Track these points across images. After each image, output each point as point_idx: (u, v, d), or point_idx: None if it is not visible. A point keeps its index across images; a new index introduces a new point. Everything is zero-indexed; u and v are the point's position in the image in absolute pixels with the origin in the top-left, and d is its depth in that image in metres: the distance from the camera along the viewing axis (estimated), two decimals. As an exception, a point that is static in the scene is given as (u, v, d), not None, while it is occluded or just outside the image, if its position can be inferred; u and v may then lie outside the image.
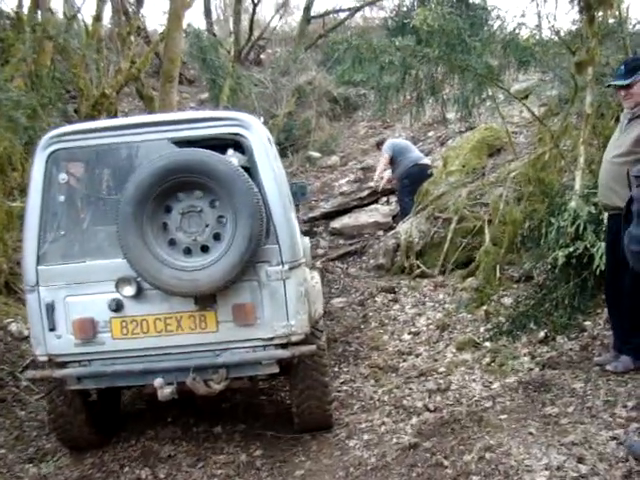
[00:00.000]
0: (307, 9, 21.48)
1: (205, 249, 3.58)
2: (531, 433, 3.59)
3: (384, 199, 11.75)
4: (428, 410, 4.38)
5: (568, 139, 8.29)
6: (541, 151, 8.30)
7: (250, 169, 3.69)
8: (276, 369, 3.76)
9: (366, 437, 4.19)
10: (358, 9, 20.79)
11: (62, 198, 3.82)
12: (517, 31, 8.06)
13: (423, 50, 7.56)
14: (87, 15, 12.65)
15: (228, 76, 13.44)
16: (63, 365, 3.75)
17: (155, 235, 3.53)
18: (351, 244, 9.61)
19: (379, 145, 10.59)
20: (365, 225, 10.47)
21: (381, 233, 10.32)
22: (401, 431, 4.16)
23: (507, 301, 6.35)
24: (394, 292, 7.50)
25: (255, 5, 20.55)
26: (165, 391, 3.61)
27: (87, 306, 3.70)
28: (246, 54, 19.96)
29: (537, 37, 8.00)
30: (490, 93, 8.74)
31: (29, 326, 3.87)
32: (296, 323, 3.68)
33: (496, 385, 4.60)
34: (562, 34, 8.10)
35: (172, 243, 3.59)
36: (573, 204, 5.48)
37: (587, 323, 5.19)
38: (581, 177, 5.89)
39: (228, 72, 13.49)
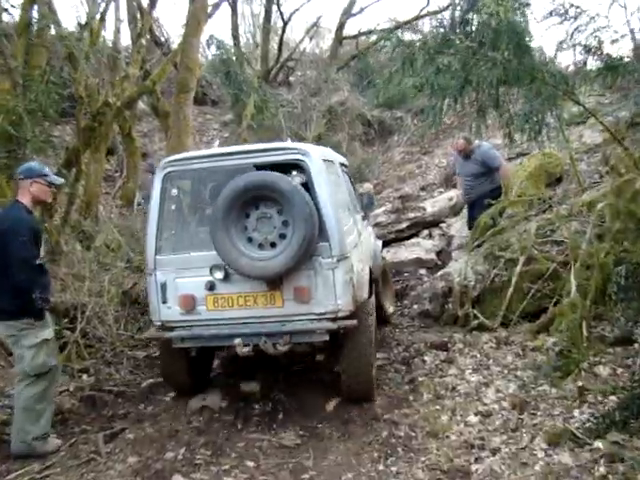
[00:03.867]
0: (339, 29, 20.34)
1: (273, 245, 4.64)
2: None
3: (425, 232, 10.33)
4: None
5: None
6: (625, 179, 6.86)
7: (308, 185, 4.71)
8: (326, 337, 4.64)
9: None
10: (393, 30, 19.47)
11: (173, 207, 5.17)
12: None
13: (488, 52, 6.19)
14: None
15: (253, 92, 12.12)
16: (171, 329, 4.89)
17: (237, 234, 4.63)
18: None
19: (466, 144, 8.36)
20: (405, 262, 9.02)
21: (424, 272, 8.88)
22: None
23: (603, 371, 4.86)
24: (447, 349, 6.02)
25: (285, 24, 19.40)
26: (244, 349, 4.65)
27: (189, 285, 4.82)
28: (274, 75, 18.81)
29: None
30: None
31: (149, 299, 5.02)
32: (342, 303, 4.62)
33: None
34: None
35: (250, 240, 4.66)
36: None
37: None
38: None
39: (253, 87, 12.19)
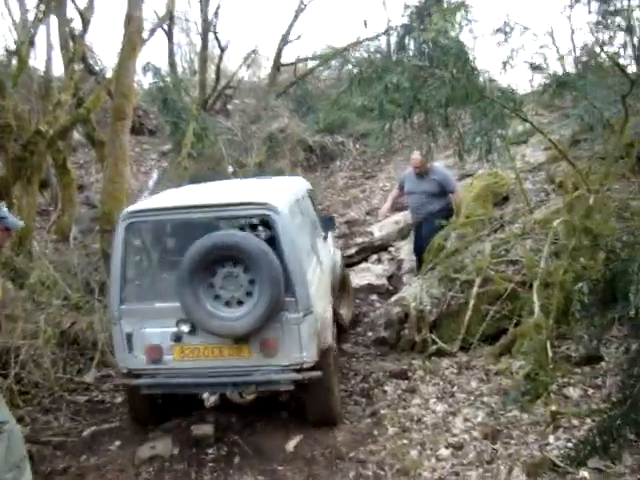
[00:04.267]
0: (277, 56, 20.24)
1: (240, 303, 4.64)
2: None
3: (374, 257, 10.14)
4: None
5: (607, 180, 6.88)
6: (576, 195, 6.81)
7: (274, 240, 4.72)
8: (292, 387, 4.76)
9: None
10: (331, 57, 19.41)
11: (137, 257, 5.32)
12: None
13: (436, 70, 6.07)
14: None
15: (192, 119, 11.79)
16: (138, 376, 4.90)
17: (204, 292, 4.61)
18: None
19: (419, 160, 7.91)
20: (356, 288, 8.75)
21: (375, 297, 8.64)
22: None
23: (573, 393, 4.69)
24: (407, 378, 5.76)
25: (222, 52, 19.16)
26: (210, 400, 5.13)
27: (155, 336, 4.79)
28: (212, 103, 18.46)
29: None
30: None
31: (115, 347, 4.99)
32: (307, 355, 4.68)
33: None
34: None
35: (216, 297, 4.64)
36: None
37: None
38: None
39: (192, 115, 11.85)
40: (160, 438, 4.93)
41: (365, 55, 6.39)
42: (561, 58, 6.47)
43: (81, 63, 13.44)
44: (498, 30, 6.41)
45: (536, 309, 5.16)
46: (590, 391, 4.64)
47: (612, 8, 7.40)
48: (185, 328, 4.70)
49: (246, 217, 5.13)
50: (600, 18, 7.52)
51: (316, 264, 5.43)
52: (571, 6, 6.50)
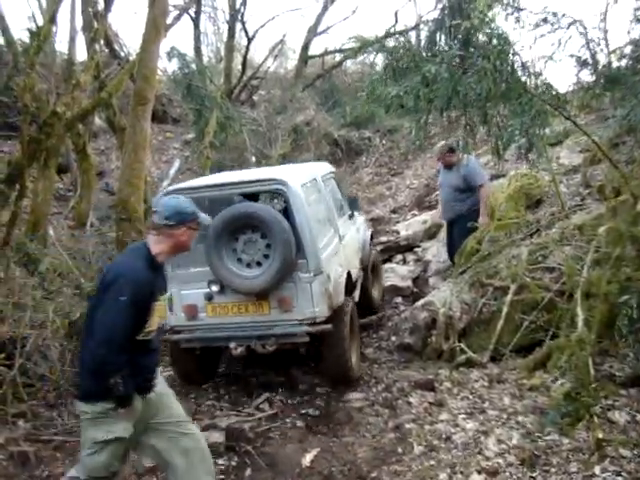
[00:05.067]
0: (305, 48, 19.86)
1: (259, 264, 5.36)
2: None
3: (399, 257, 9.74)
4: None
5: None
6: (621, 200, 6.38)
7: (287, 210, 5.42)
8: (307, 339, 5.35)
9: None
10: (359, 50, 18.94)
11: None
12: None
13: (477, 61, 5.66)
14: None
15: (216, 108, 11.44)
16: (178, 332, 5.66)
17: (228, 255, 5.39)
18: (364, 314, 7.40)
19: (445, 152, 7.69)
20: (380, 290, 8.39)
21: (400, 300, 8.25)
22: None
23: (619, 417, 4.26)
24: (434, 389, 5.36)
25: (249, 41, 18.82)
26: (238, 350, 5.48)
27: (191, 296, 5.59)
28: (238, 93, 18.16)
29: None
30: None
31: None
32: (319, 310, 5.30)
33: None
34: None
35: (239, 260, 5.41)
36: None
37: None
38: None
39: (216, 103, 11.50)
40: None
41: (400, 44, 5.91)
42: (612, 52, 5.95)
43: (105, 47, 13.20)
44: (544, 20, 5.98)
45: (580, 322, 4.74)
46: (639, 417, 4.22)
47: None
48: (215, 288, 5.48)
49: (264, 191, 5.79)
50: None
51: (333, 235, 6.04)
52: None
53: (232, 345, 5.43)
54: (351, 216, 7.31)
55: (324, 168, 7.10)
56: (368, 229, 8.35)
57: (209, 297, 5.52)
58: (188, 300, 5.59)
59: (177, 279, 5.56)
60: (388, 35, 17.64)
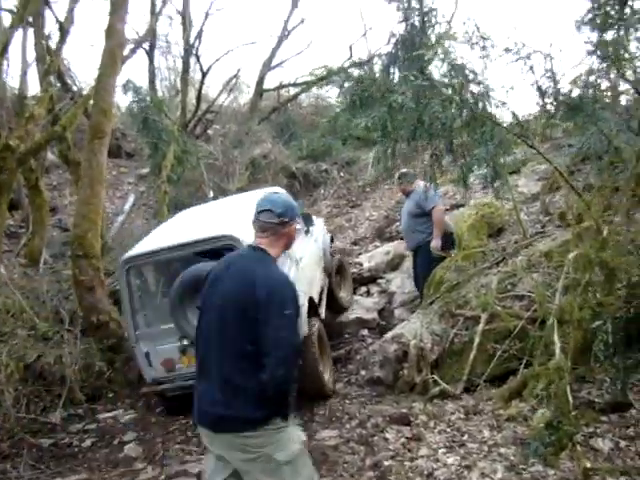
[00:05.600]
0: (260, 82, 19.89)
1: None
2: None
3: (363, 289, 9.63)
4: None
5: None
6: (585, 226, 6.41)
7: None
8: None
9: None
10: (325, 78, 18.89)
11: (139, 293, 6.59)
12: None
13: (442, 90, 5.66)
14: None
15: (173, 141, 11.26)
16: (160, 383, 6.17)
17: (193, 312, 5.47)
18: (331, 348, 7.26)
19: (402, 179, 7.96)
20: (345, 322, 8.27)
21: (366, 333, 8.13)
22: None
23: (603, 445, 4.19)
24: (409, 423, 5.22)
25: (204, 75, 18.74)
26: None
27: (167, 351, 6.05)
28: (192, 127, 17.98)
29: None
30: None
31: (139, 364, 6.20)
32: None
33: None
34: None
35: None
36: None
37: None
38: None
39: (173, 136, 11.33)
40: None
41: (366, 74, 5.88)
42: (574, 82, 6.01)
43: (58, 81, 12.95)
44: (507, 50, 6.04)
45: (557, 350, 4.67)
46: (622, 443, 4.15)
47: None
48: (186, 342, 5.85)
49: (215, 249, 5.80)
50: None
51: (290, 265, 6.09)
52: (579, 27, 6.05)
53: None
54: (307, 232, 7.47)
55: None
56: (327, 233, 8.70)
57: (183, 350, 5.94)
58: (164, 355, 6.03)
59: (150, 336, 6.09)
60: (343, 70, 17.81)
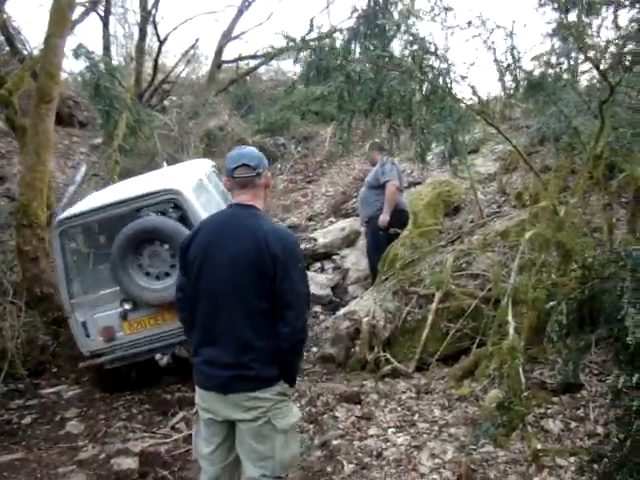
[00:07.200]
0: (218, 53, 19.45)
1: (167, 274, 5.62)
2: None
3: (317, 265, 9.51)
4: None
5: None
6: (541, 206, 6.37)
7: (184, 217, 5.67)
8: None
9: None
10: (274, 56, 18.62)
11: (75, 258, 6.26)
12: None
13: (402, 62, 5.52)
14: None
15: (125, 109, 10.90)
16: (99, 356, 5.78)
17: (135, 271, 5.59)
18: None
19: (373, 150, 7.86)
20: (298, 298, 8.12)
21: (319, 309, 8.03)
22: None
23: (553, 426, 4.16)
24: (360, 402, 5.13)
25: (161, 44, 18.23)
26: (163, 361, 6.13)
27: (106, 318, 5.72)
28: (148, 98, 17.49)
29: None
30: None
31: (75, 335, 5.82)
32: None
33: None
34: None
35: (147, 274, 5.66)
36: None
37: None
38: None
39: (125, 105, 10.96)
40: (74, 474, 4.14)
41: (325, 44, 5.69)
42: (536, 59, 5.93)
43: (6, 44, 12.43)
44: (469, 23, 5.91)
45: (511, 330, 4.61)
46: (572, 424, 4.12)
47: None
48: (128, 306, 5.66)
49: (158, 203, 5.78)
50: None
51: None
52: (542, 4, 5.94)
53: (158, 357, 5.84)
54: None
55: (206, 165, 7.50)
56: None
57: (124, 315, 5.68)
58: (103, 323, 5.70)
59: (87, 304, 5.74)
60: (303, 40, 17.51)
